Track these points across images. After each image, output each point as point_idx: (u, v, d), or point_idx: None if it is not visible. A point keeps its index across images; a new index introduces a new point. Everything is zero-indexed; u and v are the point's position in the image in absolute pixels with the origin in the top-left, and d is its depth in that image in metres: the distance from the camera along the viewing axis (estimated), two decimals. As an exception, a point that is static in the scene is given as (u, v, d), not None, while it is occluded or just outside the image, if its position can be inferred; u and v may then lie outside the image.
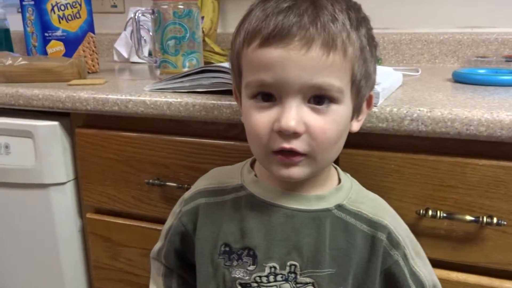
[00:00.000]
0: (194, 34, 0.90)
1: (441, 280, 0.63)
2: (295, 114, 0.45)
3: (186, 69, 0.89)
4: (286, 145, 0.47)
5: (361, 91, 0.50)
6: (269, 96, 0.47)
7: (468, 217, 0.60)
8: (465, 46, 1.11)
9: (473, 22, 1.12)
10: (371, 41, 0.50)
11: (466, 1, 1.11)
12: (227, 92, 0.70)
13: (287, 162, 0.48)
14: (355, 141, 0.65)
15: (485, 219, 0.59)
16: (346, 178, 0.58)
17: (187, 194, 0.62)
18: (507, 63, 0.98)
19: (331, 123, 0.47)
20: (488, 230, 0.61)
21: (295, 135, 0.46)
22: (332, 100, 0.46)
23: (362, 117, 0.54)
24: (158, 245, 0.66)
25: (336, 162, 0.65)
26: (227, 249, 0.55)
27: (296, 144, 0.47)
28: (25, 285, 0.97)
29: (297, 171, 0.49)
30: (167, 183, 0.77)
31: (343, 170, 0.65)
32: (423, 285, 0.55)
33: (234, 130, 0.73)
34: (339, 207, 0.53)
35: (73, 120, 0.87)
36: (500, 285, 0.62)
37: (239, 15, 0.50)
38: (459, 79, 0.83)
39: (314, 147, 0.47)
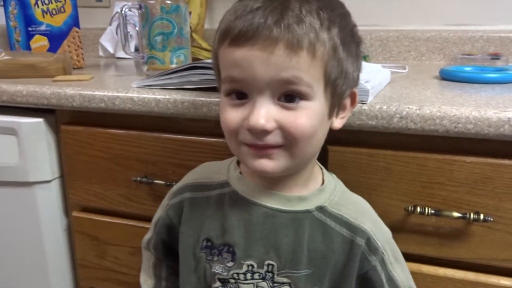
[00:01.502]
0: (182, 30, 0.89)
1: (429, 275, 0.64)
2: (264, 112, 0.46)
3: (173, 65, 0.88)
4: (258, 142, 0.48)
5: (337, 89, 0.50)
6: (242, 94, 0.48)
7: (456, 214, 0.61)
8: (452, 44, 1.12)
9: (459, 19, 1.13)
10: (349, 38, 0.50)
11: (452, -1, 1.12)
12: (216, 89, 0.69)
13: (260, 152, 0.48)
14: (344, 138, 0.65)
15: (472, 215, 0.60)
16: (331, 178, 0.58)
17: (174, 188, 0.63)
18: (492, 61, 0.99)
19: (303, 118, 0.47)
20: (475, 226, 0.62)
21: (265, 132, 0.47)
22: (302, 96, 0.47)
23: (346, 114, 0.54)
24: (148, 235, 0.67)
25: (325, 159, 0.66)
26: (209, 244, 0.56)
27: (269, 139, 0.47)
28: (11, 285, 0.95)
29: (271, 165, 0.49)
30: (155, 181, 0.76)
31: (332, 167, 0.65)
32: None
33: (223, 127, 0.73)
34: (320, 209, 0.54)
35: (58, 116, 0.85)
36: (486, 280, 0.63)
37: (226, 11, 0.50)
38: (446, 76, 0.84)
39: (290, 140, 0.48)
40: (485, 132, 0.57)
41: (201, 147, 0.74)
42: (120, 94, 0.74)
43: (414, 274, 0.59)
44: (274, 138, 0.47)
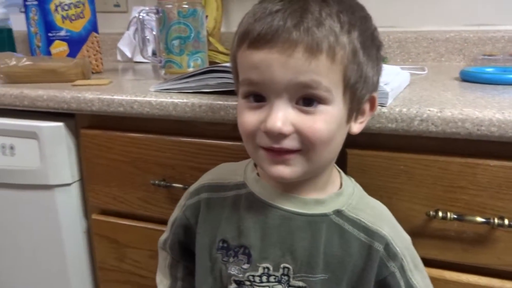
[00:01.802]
0: (199, 34, 0.89)
1: (451, 282, 0.63)
2: (281, 115, 0.46)
3: (191, 69, 0.89)
4: (275, 145, 0.47)
5: (357, 94, 0.49)
6: (260, 97, 0.48)
7: (479, 219, 0.59)
8: (471, 44, 1.10)
9: (479, 20, 1.11)
10: (369, 42, 0.49)
11: (472, -1, 1.10)
12: (233, 93, 0.69)
13: (277, 158, 0.48)
14: (364, 142, 0.65)
15: (496, 220, 0.58)
16: (349, 182, 0.57)
17: (192, 188, 0.63)
18: (514, 61, 0.97)
19: (320, 122, 0.47)
20: (499, 231, 0.60)
21: (282, 135, 0.46)
22: (320, 100, 0.46)
23: (365, 119, 0.54)
24: (164, 236, 0.68)
25: (344, 162, 0.65)
26: (225, 245, 0.56)
27: (286, 143, 0.47)
28: (31, 287, 0.97)
29: (288, 171, 0.49)
30: (173, 184, 0.77)
31: (352, 170, 0.65)
32: None
33: (241, 130, 0.73)
34: (338, 212, 0.53)
35: (78, 121, 0.86)
36: None
37: (242, 14, 0.50)
38: (467, 78, 0.82)
39: (307, 145, 0.47)
40: (509, 135, 0.56)
41: (218, 151, 0.74)
42: (138, 98, 0.75)
43: (436, 280, 0.58)
44: (291, 142, 0.47)
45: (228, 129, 0.73)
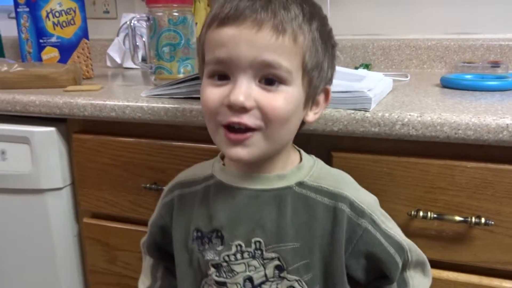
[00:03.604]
0: (189, 41, 0.92)
1: (432, 279, 0.65)
2: (244, 89, 0.48)
3: (181, 75, 0.91)
4: (235, 119, 0.49)
5: (313, 81, 0.52)
6: (224, 77, 0.50)
7: (458, 218, 0.62)
8: (452, 52, 1.15)
9: (460, 28, 1.15)
10: (327, 37, 0.53)
11: (453, 8, 1.14)
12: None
13: (234, 140, 0.50)
14: (348, 145, 0.67)
15: (473, 219, 0.61)
16: (310, 158, 0.60)
17: (166, 188, 0.66)
18: (492, 69, 1.01)
19: (281, 100, 0.49)
20: (476, 230, 0.63)
21: (244, 109, 0.48)
22: (281, 81, 0.49)
23: (319, 110, 0.57)
24: (144, 237, 0.70)
25: (330, 165, 0.67)
26: (199, 234, 0.58)
27: (246, 119, 0.49)
28: (21, 291, 0.97)
29: (245, 152, 0.50)
30: (164, 187, 0.78)
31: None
32: (401, 245, 0.56)
33: (230, 135, 0.75)
34: (300, 184, 0.56)
35: (69, 125, 0.88)
36: (489, 283, 0.65)
37: None
38: (447, 84, 0.86)
39: (265, 122, 0.49)
40: (484, 138, 0.59)
41: (209, 154, 0.75)
42: (130, 104, 0.77)
43: (417, 277, 0.61)
44: (250, 119, 0.49)
45: (218, 134, 0.75)
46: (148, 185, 0.79)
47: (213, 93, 0.51)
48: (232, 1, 0.49)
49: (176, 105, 0.74)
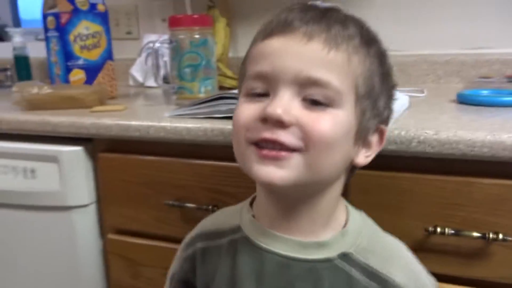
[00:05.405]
0: (210, 61, 0.95)
1: (451, 295, 0.66)
2: (285, 102, 0.41)
3: (202, 95, 0.94)
4: (268, 135, 0.41)
5: (367, 112, 0.45)
6: (263, 95, 0.44)
7: (475, 234, 0.63)
8: (469, 67, 1.15)
9: (476, 43, 1.16)
10: (385, 70, 0.48)
11: (469, 23, 1.15)
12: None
13: (267, 156, 0.42)
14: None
15: (491, 235, 0.62)
16: (357, 217, 0.51)
17: (187, 238, 0.60)
18: (509, 83, 1.02)
19: (326, 121, 0.42)
20: (494, 246, 0.64)
21: (281, 124, 0.41)
22: (329, 103, 0.42)
23: (371, 153, 0.49)
24: None
25: (348, 183, 0.69)
26: None
27: (282, 136, 0.41)
28: (49, 304, 1.00)
29: (280, 174, 0.42)
30: (186, 204, 0.81)
31: (356, 190, 0.68)
32: None
33: (250, 153, 0.77)
34: (344, 256, 0.47)
35: (96, 145, 0.91)
36: (508, 299, 0.65)
37: (250, 38, 0.51)
38: (463, 100, 0.87)
39: (307, 143, 0.41)
40: (500, 155, 0.60)
41: (230, 172, 0.78)
42: (154, 124, 0.80)
43: (436, 293, 0.61)
44: (288, 137, 0.41)
45: (238, 152, 0.78)
46: (170, 202, 0.82)
47: (247, 108, 0.44)
48: (280, 14, 0.44)
49: (198, 125, 0.76)
